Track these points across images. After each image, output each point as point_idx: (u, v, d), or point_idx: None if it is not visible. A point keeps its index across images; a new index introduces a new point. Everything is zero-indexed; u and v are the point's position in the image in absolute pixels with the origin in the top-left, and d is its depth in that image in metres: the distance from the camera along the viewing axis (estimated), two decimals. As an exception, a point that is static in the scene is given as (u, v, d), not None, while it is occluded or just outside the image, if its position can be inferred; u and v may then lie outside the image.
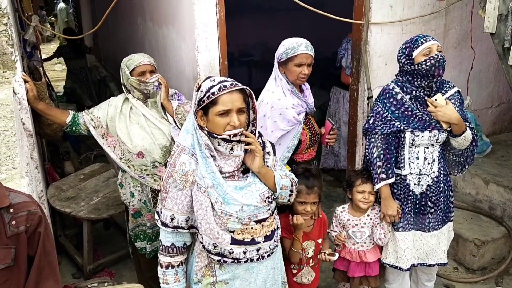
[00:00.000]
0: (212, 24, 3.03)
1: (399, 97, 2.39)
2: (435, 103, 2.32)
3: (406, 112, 2.37)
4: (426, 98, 2.37)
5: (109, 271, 3.39)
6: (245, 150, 1.82)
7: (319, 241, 2.43)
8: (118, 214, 3.24)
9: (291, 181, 1.96)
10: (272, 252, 1.91)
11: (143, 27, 4.62)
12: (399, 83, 2.42)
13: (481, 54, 3.94)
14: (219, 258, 1.81)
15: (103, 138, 2.66)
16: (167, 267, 1.85)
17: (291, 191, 1.96)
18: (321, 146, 4.47)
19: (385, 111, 2.41)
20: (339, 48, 4.47)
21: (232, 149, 1.77)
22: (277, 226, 1.93)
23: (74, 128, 2.65)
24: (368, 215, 2.55)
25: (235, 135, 1.74)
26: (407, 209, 2.47)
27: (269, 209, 1.86)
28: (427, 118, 2.36)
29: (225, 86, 1.70)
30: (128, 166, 2.62)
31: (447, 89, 2.43)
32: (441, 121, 2.34)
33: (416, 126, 2.36)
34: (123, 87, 2.65)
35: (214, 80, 1.74)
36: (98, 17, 3.52)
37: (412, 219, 2.49)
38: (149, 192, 2.69)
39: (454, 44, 3.93)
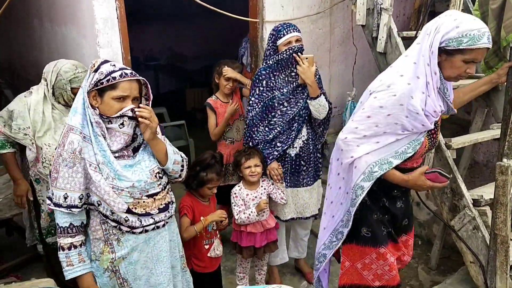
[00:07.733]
0: (113, 19, 3.11)
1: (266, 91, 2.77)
2: (305, 61, 2.64)
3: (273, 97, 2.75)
4: (299, 54, 2.66)
5: (16, 275, 3.26)
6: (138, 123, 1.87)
7: None
8: (21, 215, 3.15)
9: (181, 157, 2.06)
10: (167, 223, 2.01)
11: (40, 29, 4.49)
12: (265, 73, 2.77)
13: (364, 50, 4.35)
14: (115, 224, 1.86)
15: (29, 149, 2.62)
16: (69, 248, 1.84)
17: (182, 166, 2.06)
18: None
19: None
20: (240, 47, 4.75)
21: (122, 123, 1.83)
22: (171, 200, 2.03)
23: None
24: (262, 186, 2.81)
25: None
26: (285, 169, 2.84)
27: (160, 184, 1.95)
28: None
29: (126, 74, 1.80)
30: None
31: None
32: (300, 76, 2.67)
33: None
34: (50, 91, 2.62)
35: (115, 66, 1.82)
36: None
37: (289, 178, 2.87)
38: None
39: (339, 41, 4.39)
